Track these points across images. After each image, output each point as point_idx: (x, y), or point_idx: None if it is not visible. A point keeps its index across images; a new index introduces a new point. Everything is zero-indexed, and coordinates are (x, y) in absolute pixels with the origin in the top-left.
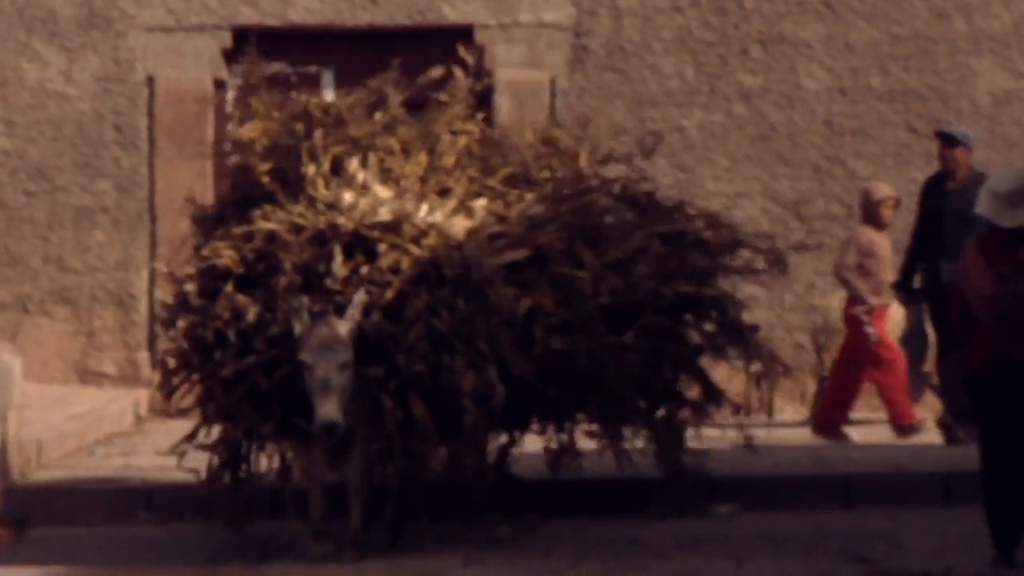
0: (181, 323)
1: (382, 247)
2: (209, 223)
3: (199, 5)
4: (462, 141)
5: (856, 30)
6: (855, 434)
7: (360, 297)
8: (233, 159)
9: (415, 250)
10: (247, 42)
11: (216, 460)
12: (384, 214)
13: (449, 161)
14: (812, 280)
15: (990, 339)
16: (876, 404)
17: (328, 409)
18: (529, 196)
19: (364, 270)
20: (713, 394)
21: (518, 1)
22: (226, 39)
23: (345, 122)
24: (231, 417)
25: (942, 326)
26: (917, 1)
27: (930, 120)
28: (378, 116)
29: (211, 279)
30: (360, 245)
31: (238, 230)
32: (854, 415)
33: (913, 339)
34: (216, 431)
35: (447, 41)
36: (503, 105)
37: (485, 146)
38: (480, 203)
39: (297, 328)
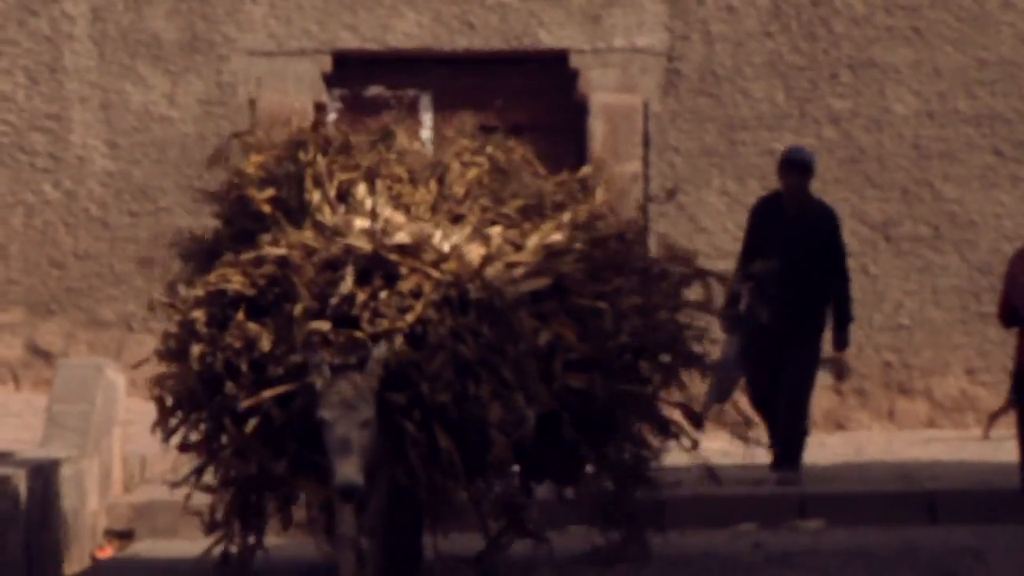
0: (195, 351)
1: (403, 270)
2: (201, 258)
3: (300, 30)
4: (472, 172)
5: (944, 55)
6: None
7: (381, 352)
8: (228, 192)
9: (436, 274)
10: (347, 66)
11: (221, 506)
12: (403, 237)
13: (460, 191)
14: (900, 300)
15: None
16: (962, 421)
17: (348, 471)
18: (546, 226)
19: (383, 295)
20: (666, 429)
21: (612, 26)
22: (326, 63)
23: (351, 149)
24: (242, 454)
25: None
26: (1004, 27)
27: (1016, 143)
28: (382, 149)
29: (219, 306)
30: (378, 268)
31: (246, 256)
32: (942, 431)
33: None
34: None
35: (542, 66)
36: (597, 129)
37: (497, 178)
38: (495, 230)
39: (317, 384)
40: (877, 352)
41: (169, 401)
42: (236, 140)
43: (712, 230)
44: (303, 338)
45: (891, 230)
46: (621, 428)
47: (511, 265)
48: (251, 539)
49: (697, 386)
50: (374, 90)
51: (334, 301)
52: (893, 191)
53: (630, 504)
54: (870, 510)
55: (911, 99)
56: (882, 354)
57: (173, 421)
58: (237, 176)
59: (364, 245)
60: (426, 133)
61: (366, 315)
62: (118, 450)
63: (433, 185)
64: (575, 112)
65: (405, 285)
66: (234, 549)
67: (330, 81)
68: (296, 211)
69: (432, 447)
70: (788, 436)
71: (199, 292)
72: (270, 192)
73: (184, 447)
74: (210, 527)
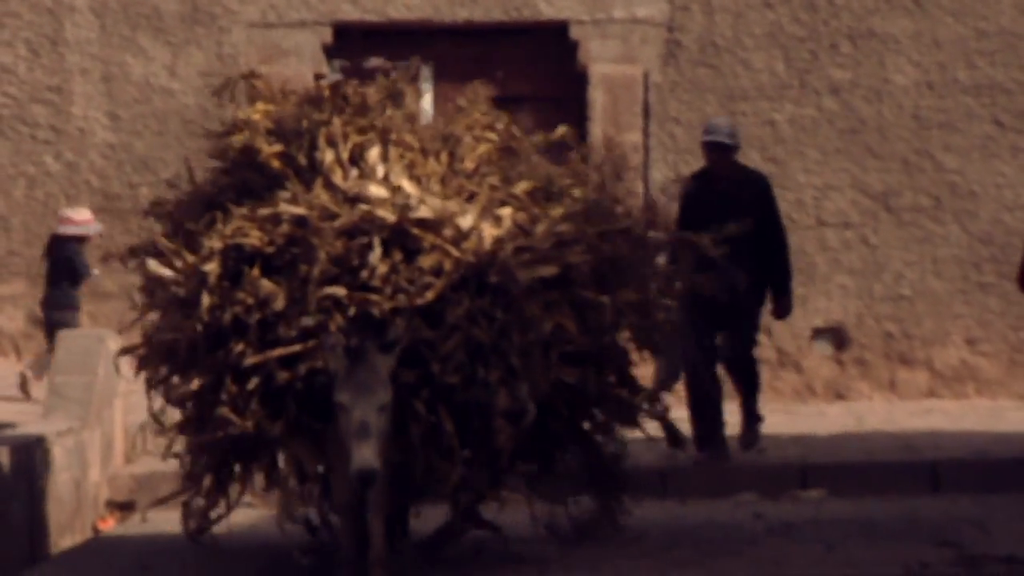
0: (206, 302)
1: (425, 245)
2: (196, 207)
3: (299, 1)
4: (483, 147)
5: (943, 26)
6: None
7: (400, 332)
8: (232, 140)
9: (456, 252)
10: (348, 37)
11: (199, 465)
12: (426, 211)
13: (470, 165)
14: (900, 270)
15: None
16: (962, 391)
17: (366, 455)
18: (555, 212)
19: (402, 269)
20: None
21: None
22: (327, 35)
23: (367, 109)
24: (239, 412)
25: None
26: None
27: (1016, 114)
28: (393, 111)
29: (234, 260)
30: (398, 242)
31: (263, 212)
32: (943, 401)
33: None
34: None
35: (542, 37)
36: (597, 99)
37: (507, 156)
38: (506, 211)
39: (333, 366)
40: (878, 322)
41: (161, 349)
42: (244, 82)
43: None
44: (317, 302)
45: (891, 200)
46: (601, 426)
47: (521, 249)
48: (220, 506)
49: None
50: (374, 61)
51: (364, 274)
52: (893, 162)
53: (600, 480)
54: (871, 480)
55: (911, 69)
56: (883, 324)
57: (163, 371)
58: (243, 123)
59: (389, 215)
60: (427, 106)
61: (387, 289)
62: (120, 421)
63: (444, 157)
64: (575, 83)
65: (426, 261)
66: (197, 508)
67: (330, 53)
68: (305, 170)
69: (434, 427)
70: (747, 415)
71: (216, 243)
72: (279, 147)
73: (175, 400)
74: (185, 482)
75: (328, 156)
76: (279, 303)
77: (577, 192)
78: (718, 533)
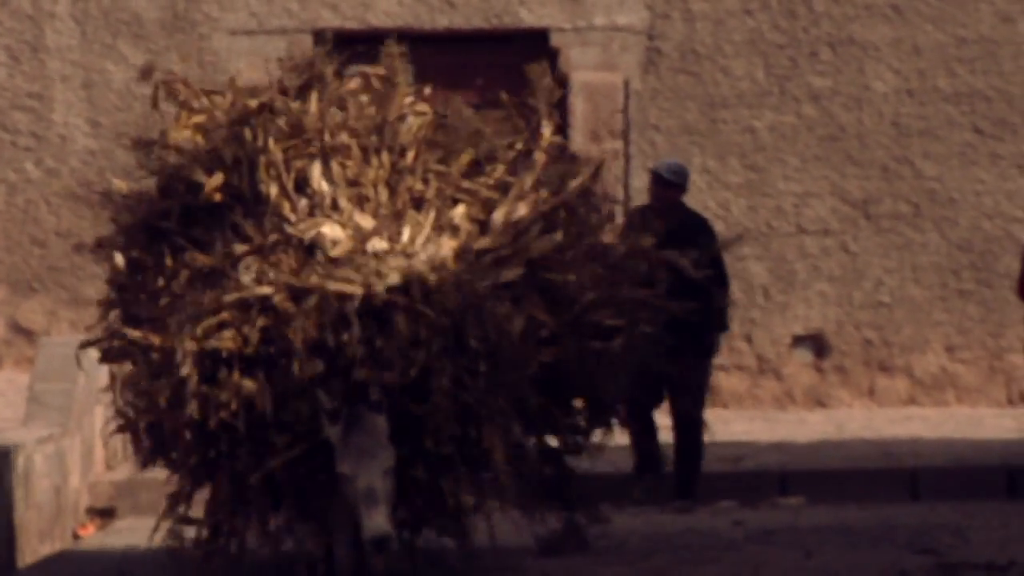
0: (193, 408)
1: (398, 317)
2: (140, 234)
3: (280, 9)
4: (416, 124)
5: (923, 33)
6: None
7: (377, 396)
8: (161, 161)
9: (430, 313)
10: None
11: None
12: (394, 277)
13: (411, 156)
14: (880, 277)
15: None
16: (942, 398)
17: (378, 522)
18: (509, 194)
19: (380, 344)
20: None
21: (592, 5)
22: (307, 42)
23: (302, 128)
24: (239, 509)
25: None
26: (983, 5)
27: (995, 121)
28: (317, 103)
29: (210, 362)
30: (370, 311)
31: (229, 298)
32: (922, 408)
33: None
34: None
35: (523, 44)
36: (578, 107)
37: (441, 127)
38: (459, 211)
39: (331, 436)
40: (857, 329)
41: (143, 428)
42: (162, 85)
43: (693, 207)
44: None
45: (871, 208)
46: (578, 391)
47: (481, 252)
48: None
49: None
50: (353, 68)
51: (344, 351)
52: (873, 169)
53: (568, 491)
54: (851, 487)
55: (891, 77)
56: (862, 331)
57: (147, 445)
58: (174, 149)
59: (356, 290)
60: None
61: (367, 367)
62: (100, 428)
63: (385, 157)
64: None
65: (403, 332)
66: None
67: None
68: (250, 200)
69: (436, 491)
70: (684, 468)
71: (190, 346)
72: (219, 178)
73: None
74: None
75: (273, 189)
76: (265, 403)
77: (520, 146)
78: (697, 540)
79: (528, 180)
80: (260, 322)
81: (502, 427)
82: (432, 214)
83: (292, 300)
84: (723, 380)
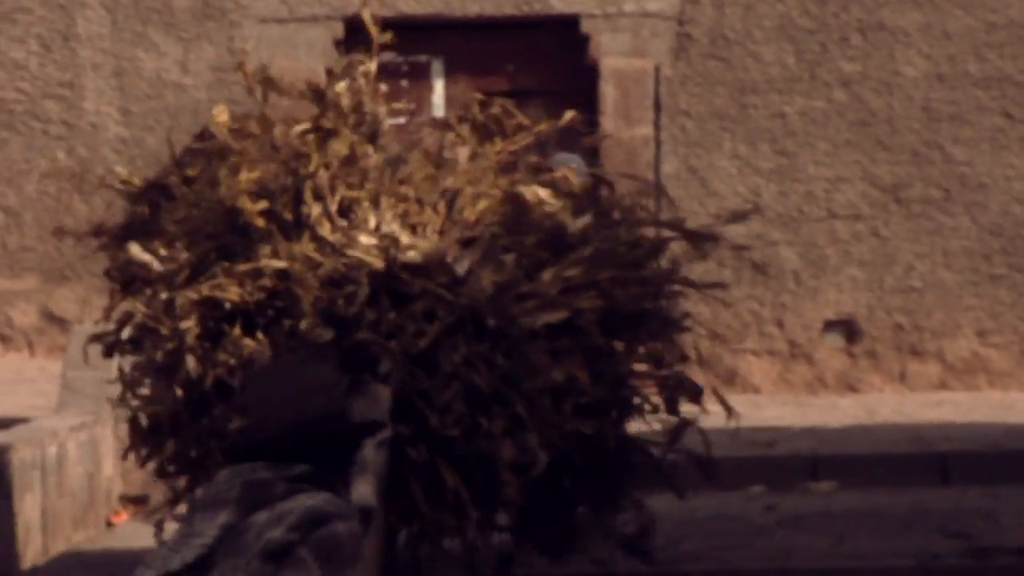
0: (192, 365)
1: (415, 290)
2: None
3: None
4: (483, 203)
5: (953, 18)
6: None
7: (387, 367)
8: (206, 203)
9: (450, 297)
10: (359, 32)
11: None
12: (415, 256)
13: (470, 217)
14: (911, 262)
15: None
16: (973, 383)
17: (364, 492)
18: (564, 260)
19: (391, 316)
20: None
21: None
22: (338, 29)
23: (356, 161)
24: None
25: None
26: None
27: None
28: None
29: (212, 318)
30: (386, 288)
31: (243, 267)
32: (954, 393)
33: None
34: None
35: (553, 31)
36: (608, 93)
37: (512, 207)
38: (508, 257)
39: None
40: (888, 314)
41: (145, 422)
42: (221, 162)
43: (723, 194)
44: None
45: (901, 193)
46: (623, 487)
47: (524, 296)
48: None
49: None
50: (385, 56)
51: (353, 321)
52: (903, 154)
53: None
54: (882, 472)
55: (921, 62)
56: (893, 316)
57: (149, 445)
58: (228, 193)
59: (375, 261)
60: (438, 99)
61: (378, 334)
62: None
63: (442, 208)
64: (586, 77)
65: (417, 306)
66: None
67: (342, 48)
68: (291, 225)
69: (436, 483)
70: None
71: (191, 296)
72: (263, 204)
73: (165, 474)
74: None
75: (315, 210)
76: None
77: (592, 240)
78: (729, 525)
79: (587, 252)
80: (268, 282)
81: (513, 426)
82: (480, 251)
83: (307, 270)
84: (754, 365)
